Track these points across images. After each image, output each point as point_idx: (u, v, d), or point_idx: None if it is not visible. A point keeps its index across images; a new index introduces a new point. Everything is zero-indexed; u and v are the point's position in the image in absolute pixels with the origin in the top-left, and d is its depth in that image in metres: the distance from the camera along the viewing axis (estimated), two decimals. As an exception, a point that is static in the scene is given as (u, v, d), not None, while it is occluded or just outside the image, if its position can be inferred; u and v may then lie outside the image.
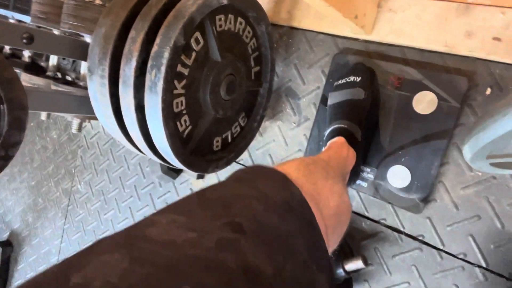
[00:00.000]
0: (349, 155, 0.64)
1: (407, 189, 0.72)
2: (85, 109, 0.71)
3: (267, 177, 0.31)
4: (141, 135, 0.61)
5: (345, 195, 0.43)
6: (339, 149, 0.64)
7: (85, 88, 0.66)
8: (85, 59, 0.64)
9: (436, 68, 0.71)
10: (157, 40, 0.55)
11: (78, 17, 0.90)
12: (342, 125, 0.68)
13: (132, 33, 0.57)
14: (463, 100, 0.68)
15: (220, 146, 0.75)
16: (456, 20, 0.67)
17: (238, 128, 0.79)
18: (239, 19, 0.68)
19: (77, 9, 0.90)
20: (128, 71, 0.57)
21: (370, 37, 0.76)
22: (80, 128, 1.05)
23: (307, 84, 0.86)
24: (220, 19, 0.64)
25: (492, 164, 0.50)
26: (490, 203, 0.66)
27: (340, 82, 0.75)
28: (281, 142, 0.90)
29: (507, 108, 0.36)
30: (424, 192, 0.71)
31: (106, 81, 0.60)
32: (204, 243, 0.20)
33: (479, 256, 0.67)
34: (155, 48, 0.55)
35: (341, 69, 0.79)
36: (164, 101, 0.55)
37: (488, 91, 0.66)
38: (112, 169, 1.27)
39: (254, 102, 0.81)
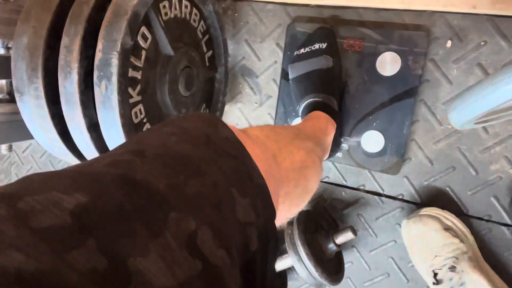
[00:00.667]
0: (328, 126, 0.61)
1: (382, 152, 0.72)
2: (20, 134, 0.60)
3: (196, 116, 0.29)
4: (99, 154, 0.53)
5: (315, 154, 0.41)
6: (316, 120, 0.60)
7: (16, 111, 0.55)
8: (8, 77, 0.53)
9: (395, 26, 0.69)
10: (99, 45, 0.46)
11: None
12: (317, 99, 0.64)
13: (65, 41, 0.47)
14: (425, 56, 0.67)
15: (186, 146, 0.68)
16: (410, -26, 0.65)
17: (201, 121, 0.72)
18: (184, 1, 0.60)
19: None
20: (69, 87, 0.47)
21: (322, 1, 0.72)
22: (11, 148, 0.91)
23: (263, 60, 0.80)
24: (164, 6, 0.55)
25: (476, 123, 0.50)
26: (463, 152, 0.68)
27: (303, 51, 0.70)
28: (245, 125, 0.85)
29: (508, 75, 0.35)
30: (399, 152, 0.71)
31: (43, 102, 0.49)
32: (99, 163, 0.21)
33: (459, 204, 0.70)
34: (99, 55, 0.46)
35: (297, 39, 0.74)
36: (123, 115, 0.47)
37: (449, 43, 0.66)
38: (59, 182, 1.14)
39: (212, 90, 0.74)
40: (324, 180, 0.80)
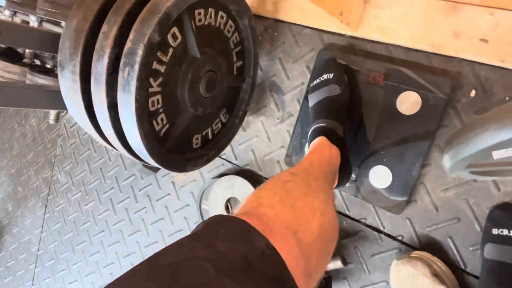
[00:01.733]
0: (332, 153, 0.62)
1: (388, 189, 0.72)
2: (59, 104, 0.68)
3: (227, 229, 0.29)
4: (115, 134, 0.59)
5: (329, 209, 0.41)
6: (321, 150, 0.62)
7: (57, 82, 0.63)
8: (56, 52, 0.61)
9: (421, 67, 0.70)
10: (131, 36, 0.52)
11: (55, 3, 0.86)
12: (322, 124, 0.66)
13: (104, 28, 0.54)
14: (447, 101, 0.66)
15: (200, 144, 0.73)
16: (444, 19, 0.65)
17: (219, 125, 0.77)
18: (220, 13, 0.66)
19: (53, -6, 0.86)
20: (100, 68, 0.54)
21: (356, 33, 0.74)
22: (57, 119, 1.02)
23: (292, 79, 0.84)
24: (199, 13, 0.61)
25: (472, 173, 0.49)
26: (470, 206, 0.66)
27: (315, 82, 0.74)
28: (264, 138, 0.88)
29: (486, 124, 0.35)
30: (404, 193, 0.70)
31: (77, 77, 0.57)
32: None
33: (458, 257, 0.67)
34: (128, 45, 0.52)
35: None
36: (138, 100, 0.53)
37: (473, 93, 0.65)
38: (93, 160, 1.24)
39: (236, 98, 0.79)
40: (328, 206, 0.81)
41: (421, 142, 0.69)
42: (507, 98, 0.62)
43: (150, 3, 0.53)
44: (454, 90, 0.67)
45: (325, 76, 0.71)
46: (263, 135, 0.88)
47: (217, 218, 0.32)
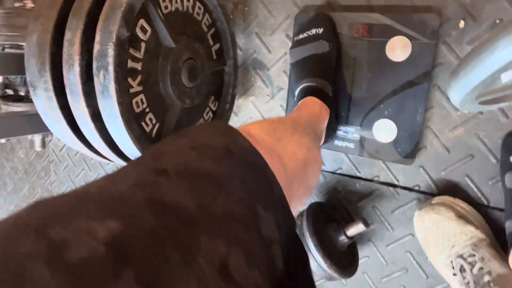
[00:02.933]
0: (322, 112, 0.61)
1: (395, 142, 0.70)
2: (41, 127, 0.64)
3: (210, 127, 0.29)
4: (106, 144, 0.56)
5: (315, 148, 0.41)
6: (310, 107, 0.61)
7: (33, 104, 0.59)
8: (23, 73, 0.57)
9: (404, 9, 0.67)
10: (97, 37, 0.48)
11: (13, 26, 0.81)
12: (311, 84, 0.65)
13: (67, 35, 0.50)
14: (437, 38, 0.64)
15: (194, 137, 0.70)
16: (417, -46, 0.62)
17: (211, 113, 0.74)
18: (186, -5, 0.62)
19: (9, 18, 0.81)
20: (73, 78, 0.50)
21: (329, -11, 0.71)
22: (44, 144, 0.98)
23: (273, 52, 0.80)
24: (164, 0, 0.57)
25: (482, 103, 0.47)
26: (481, 139, 0.64)
27: (300, 36, 0.70)
28: (258, 118, 0.85)
29: (494, 43, 0.33)
30: (412, 141, 0.68)
31: (51, 94, 0.53)
32: (124, 184, 0.20)
33: (479, 194, 0.66)
34: (97, 47, 0.48)
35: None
36: (121, 103, 0.50)
37: (462, 23, 0.62)
38: (90, 177, 1.21)
39: (221, 83, 0.76)
40: (337, 172, 0.79)
41: (419, 86, 0.66)
42: (497, 21, 0.60)
43: (110, -2, 0.49)
44: (442, 25, 0.64)
45: (313, 31, 0.68)
46: (257, 115, 0.85)
47: (205, 122, 0.32)
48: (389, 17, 0.67)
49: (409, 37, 0.66)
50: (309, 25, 0.70)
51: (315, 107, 0.61)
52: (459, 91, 0.40)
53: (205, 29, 0.68)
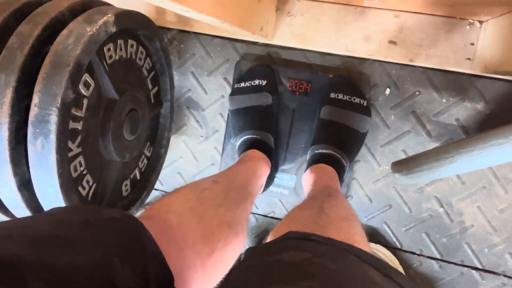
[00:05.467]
0: (264, 167, 0.63)
1: (325, 190, 0.74)
2: None
3: (77, 209, 0.31)
4: (31, 212, 0.48)
5: (238, 224, 0.42)
6: (252, 162, 0.62)
7: None
8: None
9: (338, 71, 0.72)
10: (36, 99, 0.41)
11: None
12: (255, 136, 0.66)
13: (-8, 91, 0.41)
14: (367, 101, 0.70)
15: (129, 188, 0.64)
16: (354, 24, 0.68)
17: (145, 160, 0.69)
18: (130, 41, 0.56)
19: None
20: (-2, 143, 0.42)
21: (271, 41, 0.72)
22: None
23: (210, 93, 0.78)
24: (109, 50, 0.51)
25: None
26: (398, 192, 0.73)
27: (242, 84, 0.71)
28: (190, 158, 0.82)
29: (454, 155, 0.38)
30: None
31: (-37, 157, 0.43)
32: None
33: (394, 239, 0.75)
34: (34, 110, 0.41)
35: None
36: (61, 174, 0.43)
37: (387, 91, 0.70)
38: None
39: (157, 126, 0.71)
40: (269, 215, 0.81)
41: (349, 142, 0.72)
42: (417, 93, 0.69)
43: (51, 54, 0.42)
44: (371, 90, 0.71)
45: (256, 82, 0.68)
46: (189, 155, 0.82)
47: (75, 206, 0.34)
48: (324, 76, 0.71)
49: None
50: (252, 75, 0.70)
51: (257, 163, 0.62)
52: (411, 179, 0.46)
53: (146, 73, 0.63)
